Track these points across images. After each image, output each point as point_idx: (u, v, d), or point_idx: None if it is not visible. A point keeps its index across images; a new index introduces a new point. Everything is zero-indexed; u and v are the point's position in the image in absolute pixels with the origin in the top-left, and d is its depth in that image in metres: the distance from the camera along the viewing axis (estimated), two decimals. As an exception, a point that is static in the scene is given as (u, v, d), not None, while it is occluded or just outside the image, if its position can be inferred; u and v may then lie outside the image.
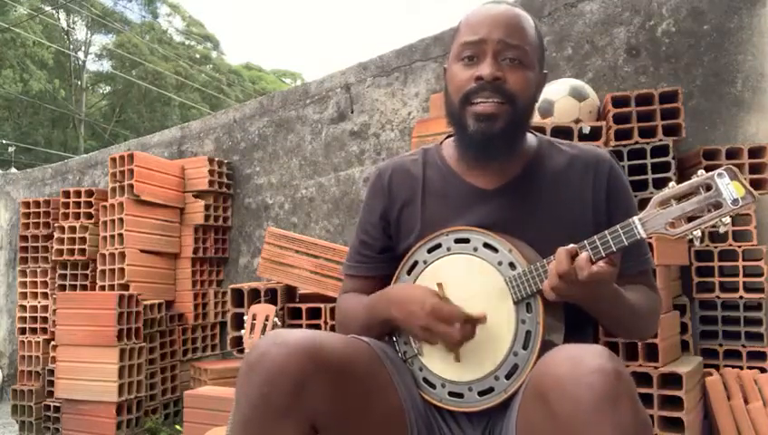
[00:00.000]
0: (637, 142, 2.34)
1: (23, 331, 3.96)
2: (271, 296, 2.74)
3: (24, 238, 4.09)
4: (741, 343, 2.30)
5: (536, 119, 2.41)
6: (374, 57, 3.49)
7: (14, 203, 5.00)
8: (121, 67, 21.40)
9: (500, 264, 1.09)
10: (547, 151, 1.22)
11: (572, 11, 2.91)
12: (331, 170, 3.57)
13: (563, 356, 0.89)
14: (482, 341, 1.08)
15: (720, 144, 2.44)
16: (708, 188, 0.93)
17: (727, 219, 0.93)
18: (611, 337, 1.98)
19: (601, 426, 0.81)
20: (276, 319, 1.47)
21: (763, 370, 2.21)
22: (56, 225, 3.84)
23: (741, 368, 2.24)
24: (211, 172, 3.70)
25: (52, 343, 3.51)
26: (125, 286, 3.34)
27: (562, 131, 2.31)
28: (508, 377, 1.05)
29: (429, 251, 1.17)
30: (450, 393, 1.11)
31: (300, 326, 2.73)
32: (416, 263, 1.19)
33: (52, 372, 3.48)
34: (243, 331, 1.46)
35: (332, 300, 2.67)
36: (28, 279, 4.05)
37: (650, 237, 0.99)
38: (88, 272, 3.72)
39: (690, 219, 0.95)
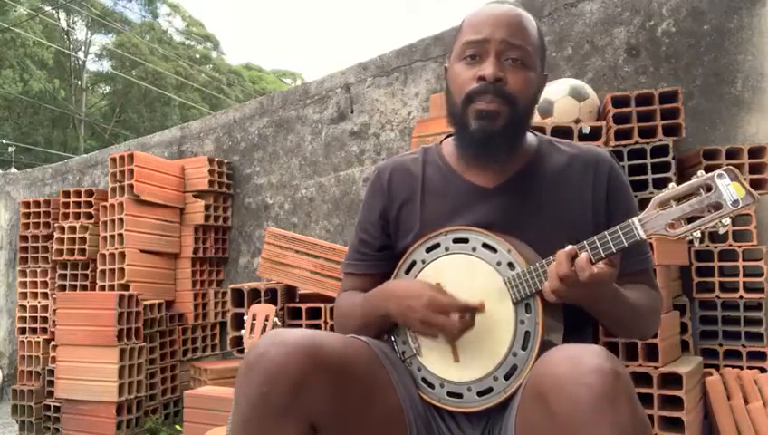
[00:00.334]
0: (637, 142, 2.34)
1: (23, 331, 3.96)
2: (271, 296, 2.74)
3: (24, 238, 4.10)
4: (741, 343, 2.30)
5: (536, 119, 2.41)
6: (374, 57, 3.49)
7: (14, 203, 5.00)
8: (121, 67, 21.40)
9: (499, 264, 1.09)
10: (547, 151, 1.22)
11: (572, 11, 2.91)
12: (331, 170, 3.57)
13: (562, 356, 0.89)
14: (481, 341, 1.08)
15: (720, 144, 2.44)
16: (708, 188, 0.93)
17: (727, 220, 0.92)
18: (611, 337, 1.99)
19: (600, 426, 0.81)
20: (276, 319, 1.47)
21: (763, 370, 2.21)
22: (56, 225, 3.84)
23: (741, 368, 2.24)
24: (211, 172, 3.70)
25: (52, 343, 3.51)
26: (125, 286, 3.34)
27: (562, 131, 2.31)
28: (507, 377, 1.05)
29: (428, 251, 1.17)
30: (449, 393, 1.11)
31: (300, 326, 2.73)
32: (414, 262, 1.19)
33: (52, 372, 3.48)
34: (243, 331, 1.46)
35: (332, 300, 2.67)
36: (28, 279, 4.05)
37: (650, 238, 0.99)
38: (88, 272, 3.72)
39: (690, 220, 0.95)
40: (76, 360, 3.14)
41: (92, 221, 3.72)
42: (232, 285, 2.85)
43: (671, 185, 0.98)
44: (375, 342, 1.17)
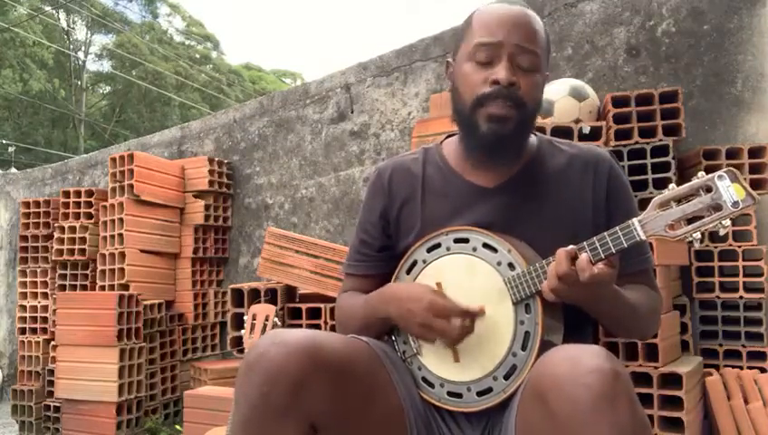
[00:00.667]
0: (637, 142, 2.34)
1: (23, 331, 3.96)
2: (271, 296, 2.74)
3: (24, 238, 4.10)
4: (741, 343, 2.30)
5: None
6: (374, 57, 3.49)
7: (14, 203, 5.00)
8: (121, 67, 21.40)
9: (499, 264, 1.09)
10: (547, 151, 1.22)
11: (572, 11, 2.91)
12: (331, 170, 3.57)
13: (562, 356, 0.89)
14: (481, 341, 1.08)
15: (720, 144, 2.44)
16: (708, 189, 0.93)
17: (727, 222, 0.92)
18: (611, 337, 1.99)
19: (599, 426, 0.82)
20: (276, 319, 1.47)
21: (763, 370, 2.21)
22: (56, 225, 3.84)
23: (741, 368, 2.24)
24: (211, 172, 3.70)
25: (52, 343, 3.51)
26: (125, 286, 3.34)
27: (562, 131, 2.31)
28: (507, 377, 1.05)
29: (429, 250, 1.17)
30: (449, 393, 1.11)
31: (300, 326, 2.73)
32: (415, 262, 1.19)
33: (52, 372, 3.48)
34: (243, 331, 1.46)
35: (332, 300, 2.67)
36: (28, 279, 4.05)
37: (650, 239, 0.99)
38: (88, 272, 3.72)
39: (690, 221, 0.95)
40: (76, 360, 3.14)
41: (92, 221, 3.72)
42: (232, 285, 2.85)
43: (671, 186, 0.98)
44: (375, 341, 1.17)
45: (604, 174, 1.19)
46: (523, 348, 1.05)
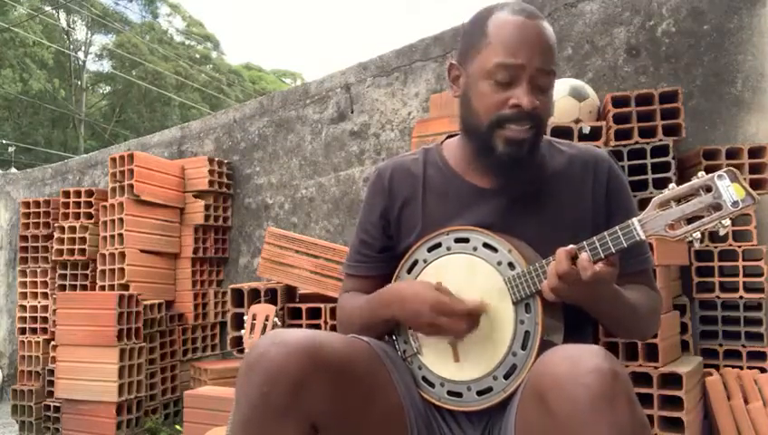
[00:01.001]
0: (637, 142, 2.34)
1: (23, 331, 3.96)
2: (271, 296, 2.74)
3: (24, 238, 4.10)
4: (741, 343, 2.30)
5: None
6: (374, 57, 3.49)
7: (14, 203, 5.00)
8: (121, 67, 21.40)
9: (499, 264, 1.09)
10: (547, 151, 1.22)
11: (572, 11, 2.91)
12: (331, 170, 3.57)
13: (561, 356, 0.89)
14: (481, 341, 1.09)
15: (720, 144, 2.44)
16: (708, 189, 0.93)
17: (727, 221, 0.92)
18: (611, 337, 1.99)
19: (598, 425, 0.82)
20: (276, 319, 1.47)
21: (763, 370, 2.21)
22: (56, 225, 3.84)
23: (741, 368, 2.25)
24: (211, 172, 3.70)
25: (52, 343, 3.51)
26: (125, 286, 3.34)
27: (562, 131, 2.31)
28: (507, 377, 1.06)
29: (429, 250, 1.17)
30: (449, 392, 1.11)
31: (300, 326, 2.73)
32: (416, 262, 1.19)
33: (52, 372, 3.48)
34: (243, 331, 1.46)
35: (332, 300, 2.67)
36: (28, 279, 4.05)
37: (649, 239, 0.99)
38: (88, 272, 3.72)
39: (690, 221, 0.95)
40: (76, 360, 3.14)
41: (92, 221, 3.72)
42: (232, 285, 2.85)
43: (671, 185, 0.98)
44: (376, 341, 1.17)
45: (603, 174, 1.19)
46: (523, 348, 1.05)
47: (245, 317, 1.48)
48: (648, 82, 2.71)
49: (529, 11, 1.12)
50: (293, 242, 2.81)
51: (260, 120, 3.86)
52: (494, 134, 1.11)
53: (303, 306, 2.79)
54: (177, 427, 3.12)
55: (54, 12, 20.34)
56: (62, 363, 3.20)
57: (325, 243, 2.84)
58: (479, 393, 1.08)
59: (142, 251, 3.47)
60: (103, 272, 3.44)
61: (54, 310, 3.46)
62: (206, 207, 3.70)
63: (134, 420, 3.19)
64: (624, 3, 2.80)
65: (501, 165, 1.13)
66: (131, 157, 3.43)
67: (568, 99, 2.46)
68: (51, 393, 3.53)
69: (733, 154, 2.38)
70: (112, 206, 3.45)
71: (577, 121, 2.43)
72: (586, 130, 2.36)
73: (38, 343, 3.81)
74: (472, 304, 1.08)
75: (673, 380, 2.00)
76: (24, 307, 4.00)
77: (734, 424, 2.06)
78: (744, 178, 0.92)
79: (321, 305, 2.75)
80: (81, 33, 22.08)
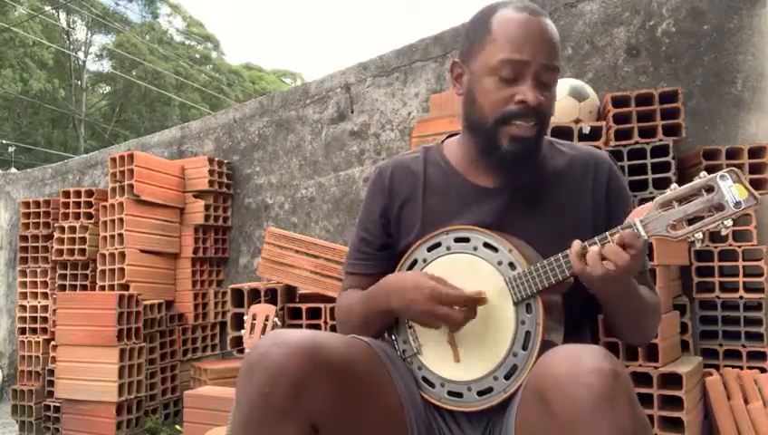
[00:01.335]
0: (637, 142, 2.34)
1: (23, 331, 3.96)
2: (271, 296, 2.74)
3: (24, 238, 4.09)
4: (741, 343, 2.30)
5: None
6: (374, 57, 3.49)
7: (14, 203, 5.00)
8: (121, 67, 21.40)
9: (500, 264, 1.09)
10: (548, 152, 1.22)
11: (572, 11, 2.91)
12: (331, 170, 3.57)
13: (562, 356, 0.89)
14: (481, 341, 1.08)
15: (720, 144, 2.44)
16: (710, 190, 0.93)
17: (729, 222, 0.92)
18: (611, 337, 1.98)
19: (599, 426, 0.82)
20: (276, 319, 1.47)
21: (763, 370, 2.21)
22: (56, 225, 3.83)
23: (741, 368, 2.24)
24: (211, 172, 3.70)
25: (52, 343, 3.51)
26: (125, 286, 3.34)
27: (562, 131, 2.31)
28: (507, 377, 1.05)
29: (429, 250, 1.17)
30: (449, 393, 1.11)
31: (300, 326, 2.74)
32: (415, 261, 1.19)
33: (52, 372, 3.48)
34: (243, 331, 1.46)
35: (332, 300, 2.67)
36: (28, 279, 4.05)
37: (651, 239, 0.99)
38: (88, 272, 3.72)
39: (692, 221, 0.95)
40: (76, 360, 3.14)
41: (92, 221, 3.72)
42: (232, 285, 2.85)
43: (673, 186, 0.97)
44: (376, 341, 1.17)
45: (604, 176, 1.20)
46: (524, 348, 1.05)
47: (245, 317, 1.49)
48: (648, 82, 2.71)
49: (532, 8, 1.13)
50: (293, 242, 2.81)
51: (260, 120, 3.86)
52: (500, 131, 1.11)
53: (303, 306, 2.79)
54: (177, 427, 3.12)
55: (54, 12, 20.35)
56: (62, 363, 3.20)
57: (325, 243, 2.84)
58: (479, 394, 1.08)
59: (142, 251, 3.47)
60: (103, 272, 3.43)
61: (54, 310, 3.46)
62: (206, 207, 3.70)
63: (134, 420, 3.19)
64: (624, 3, 2.80)
65: (505, 163, 1.13)
66: (131, 157, 3.43)
67: (568, 99, 2.46)
68: (51, 393, 3.52)
69: (733, 154, 2.38)
70: (112, 206, 3.45)
71: (577, 121, 2.43)
72: (586, 130, 2.36)
73: (38, 343, 3.81)
74: (469, 292, 1.07)
75: (673, 380, 2.00)
76: (24, 307, 4.00)
77: (734, 424, 2.06)
78: (745, 178, 0.92)
79: (321, 305, 2.75)
80: (81, 33, 22.11)
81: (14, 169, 11.70)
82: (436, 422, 1.13)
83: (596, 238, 1.00)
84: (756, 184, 2.31)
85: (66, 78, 20.76)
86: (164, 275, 3.64)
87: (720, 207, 0.92)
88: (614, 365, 0.86)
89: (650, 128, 2.34)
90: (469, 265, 1.12)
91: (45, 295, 3.97)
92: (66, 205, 3.81)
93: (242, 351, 2.50)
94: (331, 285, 2.69)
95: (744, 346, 2.30)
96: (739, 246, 2.33)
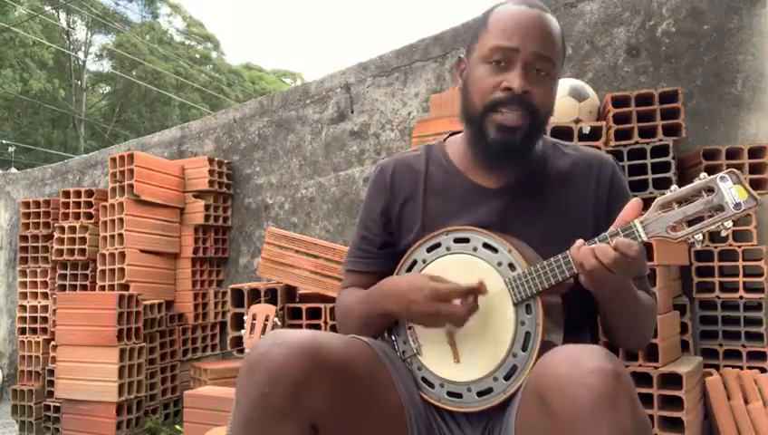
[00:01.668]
0: (637, 142, 2.34)
1: (23, 331, 3.96)
2: (271, 296, 2.74)
3: (24, 238, 4.09)
4: (741, 343, 2.30)
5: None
6: (374, 57, 3.49)
7: (14, 203, 5.00)
8: (121, 67, 21.40)
9: (500, 264, 1.09)
10: (551, 153, 1.22)
11: (572, 11, 2.91)
12: (330, 170, 3.57)
13: (562, 356, 0.89)
14: (481, 341, 1.08)
15: (720, 144, 2.44)
16: (710, 191, 0.93)
17: (729, 223, 0.92)
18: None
19: (600, 426, 0.82)
20: (276, 319, 1.47)
21: (763, 370, 2.21)
22: (56, 225, 3.83)
23: (741, 368, 2.24)
24: (211, 172, 3.70)
25: (52, 343, 3.51)
26: (125, 286, 3.34)
27: (562, 131, 2.31)
28: (507, 378, 1.05)
29: (429, 250, 1.17)
30: (449, 393, 1.11)
31: (300, 326, 2.74)
32: (415, 262, 1.19)
33: (52, 372, 3.48)
34: (243, 331, 1.46)
35: (332, 300, 2.67)
36: (28, 279, 4.05)
37: (651, 240, 0.99)
38: (88, 272, 3.72)
39: (692, 223, 0.95)
40: (76, 360, 3.14)
41: (92, 221, 3.72)
42: (232, 285, 2.85)
43: (673, 187, 0.97)
44: (375, 341, 1.17)
45: (607, 178, 1.20)
46: (524, 349, 1.05)
47: (245, 317, 1.49)
48: (648, 82, 2.71)
49: (531, 3, 1.14)
50: (293, 242, 2.81)
51: (260, 120, 3.86)
52: (487, 119, 1.11)
53: (303, 306, 2.79)
54: (177, 427, 3.12)
55: (54, 12, 20.34)
56: (62, 363, 3.20)
57: (325, 243, 2.84)
58: (479, 394, 1.08)
59: (142, 251, 3.47)
60: (103, 272, 3.43)
61: (54, 310, 3.46)
62: (206, 207, 3.70)
63: (134, 420, 3.19)
64: (624, 3, 2.80)
65: (492, 153, 1.13)
66: (131, 157, 3.43)
67: (568, 99, 2.46)
68: (51, 393, 3.52)
69: (733, 154, 2.38)
70: (112, 206, 3.45)
71: (577, 121, 2.43)
72: (586, 130, 2.36)
73: (38, 343, 3.81)
74: (468, 286, 1.07)
75: (673, 380, 2.00)
76: (24, 307, 4.00)
77: (734, 424, 2.06)
78: (745, 179, 0.92)
79: (321, 305, 2.75)
80: (81, 33, 22.10)
81: (14, 169, 11.70)
82: (436, 423, 1.12)
83: (596, 239, 1.00)
84: (756, 184, 2.31)
85: (66, 78, 20.76)
86: (164, 275, 3.64)
87: (720, 209, 0.92)
88: (615, 365, 0.85)
89: (650, 128, 2.34)
90: (469, 265, 1.11)
91: (45, 295, 3.97)
92: (66, 205, 3.81)
93: (242, 351, 2.50)
94: (331, 285, 2.69)
95: (744, 346, 2.29)
96: (739, 247, 2.33)
